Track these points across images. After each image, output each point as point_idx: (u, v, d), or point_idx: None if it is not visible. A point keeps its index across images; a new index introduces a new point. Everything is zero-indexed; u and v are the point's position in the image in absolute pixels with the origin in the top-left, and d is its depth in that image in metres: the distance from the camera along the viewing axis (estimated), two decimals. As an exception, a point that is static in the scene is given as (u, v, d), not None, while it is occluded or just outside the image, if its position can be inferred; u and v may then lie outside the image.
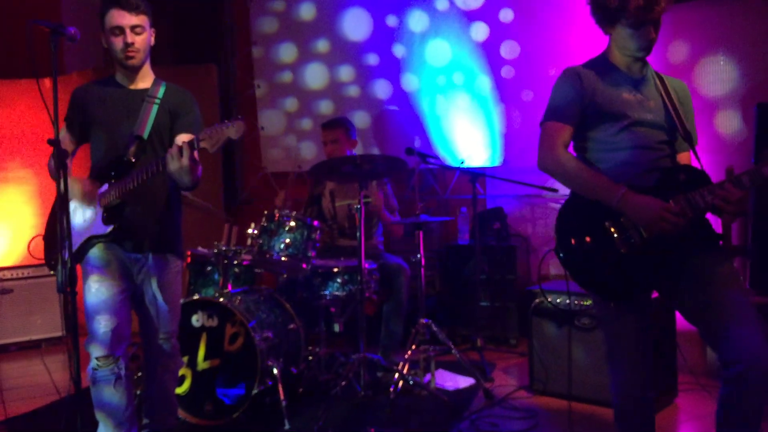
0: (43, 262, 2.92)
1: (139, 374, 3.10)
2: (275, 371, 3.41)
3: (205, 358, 3.45)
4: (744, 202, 2.09)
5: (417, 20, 5.26)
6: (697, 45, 4.29)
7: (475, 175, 4.41)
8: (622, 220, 2.20)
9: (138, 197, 2.66)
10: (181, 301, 2.98)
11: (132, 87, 2.78)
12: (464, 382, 3.95)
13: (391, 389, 3.55)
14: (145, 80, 2.80)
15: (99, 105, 2.76)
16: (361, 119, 5.47)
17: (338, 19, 5.53)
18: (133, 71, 2.75)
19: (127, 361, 2.70)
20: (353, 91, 5.57)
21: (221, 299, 3.50)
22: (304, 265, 3.67)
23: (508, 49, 5.00)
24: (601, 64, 2.36)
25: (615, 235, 2.21)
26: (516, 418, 3.41)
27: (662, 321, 3.45)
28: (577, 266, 2.27)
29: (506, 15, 4.98)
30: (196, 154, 2.49)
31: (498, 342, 4.77)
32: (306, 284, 3.90)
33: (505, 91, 5.05)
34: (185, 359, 3.40)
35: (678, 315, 3.52)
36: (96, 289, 2.66)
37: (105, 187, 2.69)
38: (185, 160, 2.42)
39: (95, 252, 2.71)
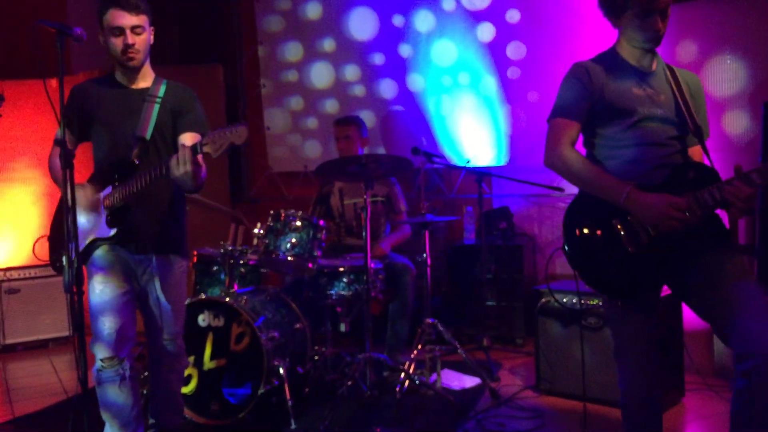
0: (48, 262, 2.93)
1: (146, 374, 3.10)
2: (281, 371, 3.41)
3: (212, 358, 3.45)
4: (752, 200, 2.07)
5: (423, 20, 5.25)
6: (705, 44, 4.27)
7: (481, 174, 4.40)
8: (629, 219, 2.19)
9: (141, 200, 2.65)
10: (187, 300, 2.98)
11: (133, 86, 2.77)
12: (470, 381, 3.94)
13: (397, 389, 3.55)
14: (145, 79, 2.79)
15: (99, 104, 2.74)
16: (366, 119, 5.44)
17: (344, 18, 5.53)
18: (134, 71, 2.74)
19: (133, 362, 2.70)
20: (359, 90, 5.57)
21: (227, 299, 3.50)
22: (310, 265, 3.67)
23: (515, 50, 4.98)
24: (610, 59, 2.34)
25: (622, 234, 2.20)
26: (522, 418, 3.40)
27: (669, 320, 3.44)
28: (584, 264, 2.26)
29: (513, 15, 4.96)
30: (200, 158, 2.48)
31: (504, 342, 4.76)
32: (312, 284, 3.90)
33: (511, 91, 5.02)
34: (191, 359, 3.41)
35: (685, 314, 3.51)
36: (100, 290, 2.66)
37: (108, 189, 2.67)
38: (189, 166, 2.40)
39: (99, 253, 2.71)
